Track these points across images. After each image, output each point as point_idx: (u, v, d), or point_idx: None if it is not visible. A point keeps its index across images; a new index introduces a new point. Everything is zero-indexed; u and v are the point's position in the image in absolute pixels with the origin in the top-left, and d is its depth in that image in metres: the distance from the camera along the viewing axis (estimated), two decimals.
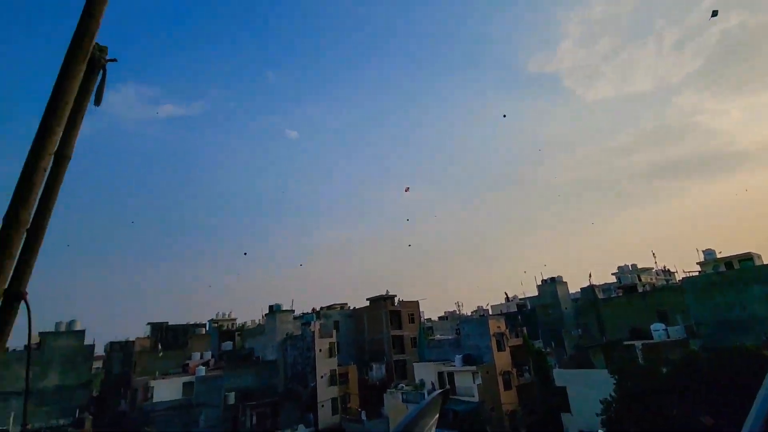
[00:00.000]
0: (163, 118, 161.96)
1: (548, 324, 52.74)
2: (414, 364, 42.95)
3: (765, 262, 35.31)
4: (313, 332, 43.62)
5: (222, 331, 57.67)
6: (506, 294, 67.91)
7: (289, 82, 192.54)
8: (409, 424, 1.66)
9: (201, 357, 47.77)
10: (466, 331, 39.18)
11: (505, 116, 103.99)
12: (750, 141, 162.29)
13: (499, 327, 37.40)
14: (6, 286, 1.35)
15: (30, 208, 1.40)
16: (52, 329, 41.18)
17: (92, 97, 1.68)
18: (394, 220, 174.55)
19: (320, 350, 42.86)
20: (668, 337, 33.00)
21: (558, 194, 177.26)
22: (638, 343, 32.06)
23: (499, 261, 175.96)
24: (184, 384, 40.37)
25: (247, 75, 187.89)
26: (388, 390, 39.81)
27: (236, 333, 59.13)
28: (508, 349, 36.75)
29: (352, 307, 59.87)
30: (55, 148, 1.49)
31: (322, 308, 59.87)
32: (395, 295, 54.52)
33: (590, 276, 53.17)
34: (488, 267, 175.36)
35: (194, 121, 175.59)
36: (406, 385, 40.40)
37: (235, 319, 69.23)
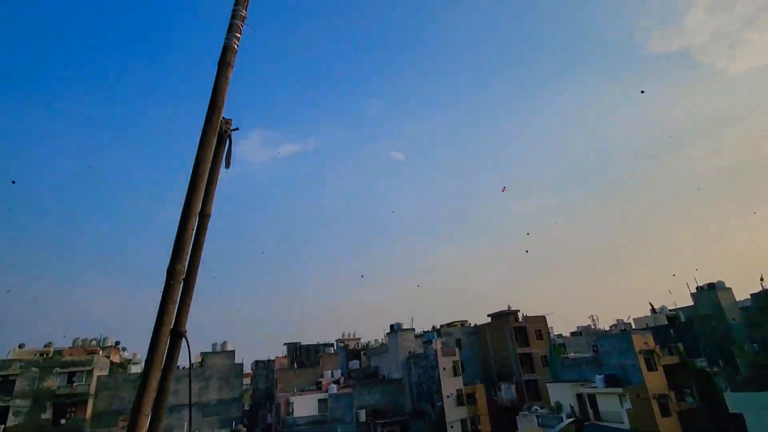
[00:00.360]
0: (284, 156, 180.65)
1: (711, 338, 44.62)
2: (547, 384, 39.85)
3: None
4: (435, 350, 43.40)
5: (348, 350, 60.76)
6: (651, 305, 59.34)
7: (391, 107, 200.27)
8: None
9: (332, 375, 50.84)
10: (605, 348, 35.18)
11: (643, 92, 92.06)
12: None
13: (646, 343, 32.81)
14: (171, 327, 1.70)
15: (184, 261, 1.74)
16: (210, 350, 47.79)
17: (223, 162, 2.03)
18: (510, 233, 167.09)
19: (444, 369, 42.36)
20: None
21: (699, 186, 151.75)
22: None
23: (638, 268, 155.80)
24: (319, 400, 43.26)
25: (351, 107, 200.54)
26: (521, 412, 37.42)
27: (362, 352, 61.74)
28: (660, 368, 31.95)
29: (473, 324, 58.32)
30: (199, 209, 1.84)
31: (442, 326, 59.43)
32: (518, 311, 51.71)
33: (762, 279, 43.68)
34: (626, 275, 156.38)
35: (309, 155, 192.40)
36: (541, 408, 37.54)
37: (359, 339, 72.46)
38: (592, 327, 67.02)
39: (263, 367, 58.64)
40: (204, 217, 1.90)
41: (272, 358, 59.43)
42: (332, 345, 65.99)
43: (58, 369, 41.70)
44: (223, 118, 1.99)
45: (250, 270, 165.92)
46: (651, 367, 31.51)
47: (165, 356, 1.64)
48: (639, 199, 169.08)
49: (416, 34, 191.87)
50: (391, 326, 51.63)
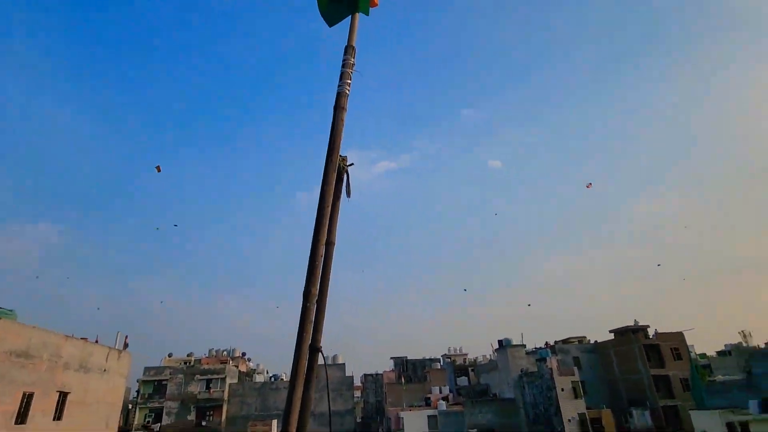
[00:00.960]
0: (382, 172, 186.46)
1: None
2: (690, 411, 34.52)
3: None
4: (551, 369, 40.45)
5: (456, 365, 59.55)
6: None
7: (484, 115, 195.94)
8: None
9: (440, 391, 50.21)
10: (760, 369, 29.57)
11: None
12: None
13: None
14: (309, 343, 1.96)
15: (316, 285, 2.01)
16: (321, 362, 50.53)
17: (343, 193, 2.29)
18: (630, 239, 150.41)
19: (562, 389, 39.20)
20: None
21: None
22: None
23: None
24: (429, 417, 42.91)
25: (444, 118, 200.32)
26: None
27: (469, 368, 60.07)
28: None
29: (593, 341, 53.23)
30: (325, 238, 2.11)
31: (556, 342, 55.28)
32: (648, 326, 45.98)
33: None
34: None
35: (405, 172, 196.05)
36: None
37: (466, 354, 70.72)
38: (744, 344, 56.55)
39: (372, 380, 60.19)
40: (330, 244, 2.15)
41: (380, 372, 60.80)
42: (438, 360, 65.36)
43: (198, 376, 47.71)
44: (340, 156, 2.25)
45: (356, 282, 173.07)
46: None
47: (306, 369, 1.89)
48: None
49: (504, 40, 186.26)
50: (500, 342, 49.50)
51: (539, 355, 48.66)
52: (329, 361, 50.73)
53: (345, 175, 2.29)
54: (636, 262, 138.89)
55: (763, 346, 54.91)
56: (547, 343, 56.49)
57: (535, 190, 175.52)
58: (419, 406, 46.44)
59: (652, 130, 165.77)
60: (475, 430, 40.32)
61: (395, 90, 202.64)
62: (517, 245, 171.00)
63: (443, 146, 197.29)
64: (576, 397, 39.11)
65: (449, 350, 68.37)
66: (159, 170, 32.51)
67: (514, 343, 48.35)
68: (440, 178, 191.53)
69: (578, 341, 54.98)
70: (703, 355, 56.29)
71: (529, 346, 53.52)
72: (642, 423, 38.88)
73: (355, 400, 60.79)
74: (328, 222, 2.15)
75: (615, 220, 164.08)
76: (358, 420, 58.28)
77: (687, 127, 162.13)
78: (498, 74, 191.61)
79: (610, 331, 48.97)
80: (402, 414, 43.69)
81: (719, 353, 58.55)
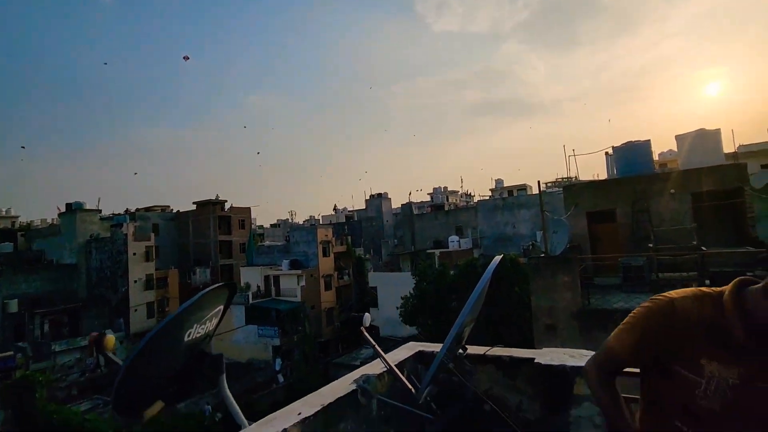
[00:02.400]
0: None
1: (371, 234, 58.60)
2: (241, 268, 43.31)
3: (534, 192, 45.35)
4: (126, 234, 39.37)
5: None
6: (335, 205, 71.85)
7: None
8: (179, 314, 1.91)
9: None
10: (295, 238, 40.82)
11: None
12: (547, 95, 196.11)
13: (326, 235, 40.00)
14: None
15: None
16: None
17: None
18: (229, 125, 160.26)
19: (134, 254, 39.34)
20: (460, 246, 40.62)
21: (394, 119, 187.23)
22: (437, 251, 38.64)
23: (336, 175, 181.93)
24: None
25: None
26: None
27: (18, 233, 49.09)
28: (332, 254, 39.99)
29: (176, 210, 55.30)
30: None
31: (138, 210, 53.67)
32: (225, 200, 52.27)
33: (410, 194, 60.17)
34: (325, 180, 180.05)
35: None
36: None
37: (16, 217, 56.99)
38: (290, 221, 75.73)
39: None
40: None
41: None
42: None
43: None
44: None
45: None
46: (326, 254, 39.05)
47: None
48: (347, 119, 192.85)
49: None
50: (68, 205, 42.80)
51: (115, 221, 45.98)
52: None
53: None
54: (230, 147, 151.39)
55: (302, 223, 75.27)
56: (127, 210, 53.94)
57: (149, 44, 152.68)
58: None
59: (265, 42, 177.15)
60: (15, 300, 34.33)
61: None
62: (118, 101, 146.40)
63: None
64: (148, 260, 40.36)
65: None
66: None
67: (87, 207, 43.14)
68: None
69: (161, 210, 55.70)
70: (261, 227, 70.81)
71: (109, 212, 49.47)
72: (203, 278, 45.34)
73: None
74: None
75: (219, 107, 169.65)
76: None
77: (295, 49, 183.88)
78: None
79: (194, 203, 52.50)
80: None
81: (273, 225, 75.49)
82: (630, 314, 1.34)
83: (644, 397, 1.37)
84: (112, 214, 52.36)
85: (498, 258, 2.15)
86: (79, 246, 41.15)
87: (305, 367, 30.33)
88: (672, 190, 10.64)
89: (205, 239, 49.64)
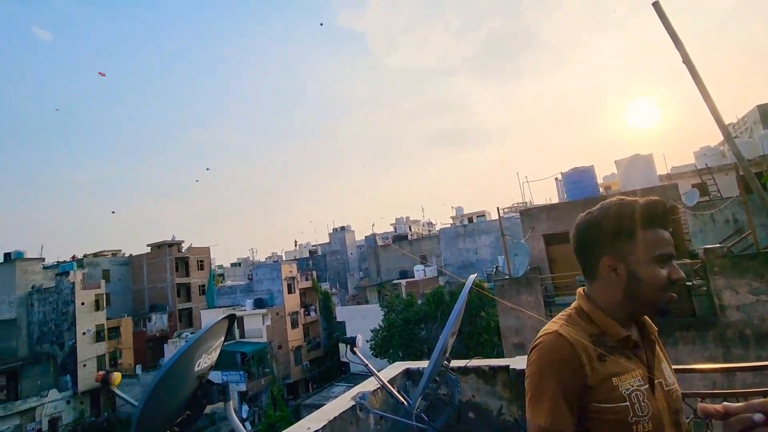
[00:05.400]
0: None
1: (336, 268, 58.15)
2: (201, 311, 41.54)
3: (493, 218, 47.01)
4: (73, 283, 36.94)
5: None
6: (296, 241, 71.02)
7: None
8: (191, 347, 2.05)
9: None
10: (258, 276, 39.84)
11: (321, 24, 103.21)
12: (496, 123, 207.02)
13: (291, 271, 39.34)
14: None
15: None
16: None
17: None
18: (184, 162, 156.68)
19: (83, 303, 36.83)
20: (425, 275, 41.08)
21: (348, 148, 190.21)
22: (403, 282, 38.84)
23: (296, 209, 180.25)
24: None
25: None
26: (170, 339, 37.65)
27: None
28: (297, 291, 39.25)
29: (128, 254, 52.63)
30: None
31: (86, 255, 50.64)
32: (182, 241, 50.47)
33: (373, 226, 60.65)
34: (285, 215, 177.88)
35: None
36: (192, 333, 38.92)
37: None
38: (251, 258, 73.76)
39: None
40: None
41: None
42: None
43: None
44: None
45: None
46: (291, 291, 38.30)
47: None
48: (306, 151, 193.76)
49: None
50: (6, 254, 39.81)
51: (61, 269, 43.21)
52: None
53: None
54: (184, 183, 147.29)
55: (264, 260, 73.46)
56: (74, 257, 50.78)
57: (88, 80, 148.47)
58: None
59: (220, 74, 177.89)
60: None
61: None
62: (54, 140, 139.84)
63: None
64: (98, 309, 37.89)
65: None
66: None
67: (28, 256, 40.31)
68: None
69: (112, 254, 52.88)
70: (221, 266, 68.51)
71: (53, 261, 46.32)
72: (159, 325, 42.97)
73: None
74: None
75: (172, 142, 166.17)
76: None
77: (253, 80, 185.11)
78: None
79: (148, 245, 50.28)
80: None
81: (233, 264, 73.18)
82: (528, 373, 1.15)
83: None
84: (57, 261, 49.03)
85: (473, 276, 2.44)
86: (19, 299, 38.12)
87: (274, 412, 29.04)
88: None
89: (162, 283, 47.40)
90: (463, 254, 42.36)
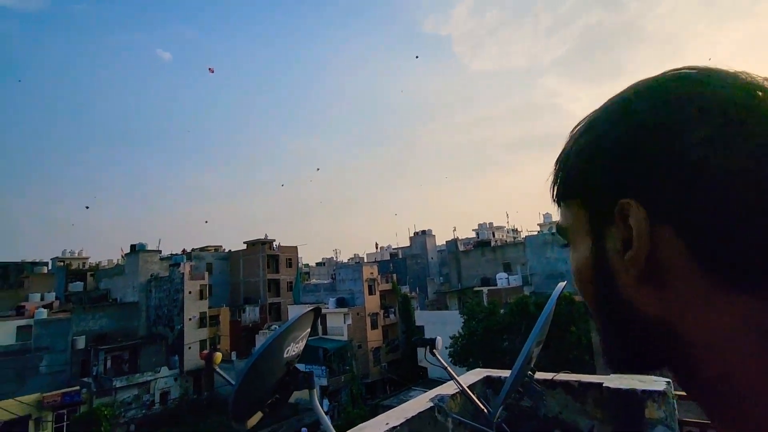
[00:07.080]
0: None
1: (416, 272, 58.28)
2: (288, 306, 44.20)
3: None
4: (183, 273, 41.56)
5: (71, 270, 51.18)
6: (377, 243, 72.49)
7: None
8: (281, 334, 2.22)
9: (42, 299, 42.07)
10: (341, 276, 41.37)
11: (417, 57, 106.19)
12: None
13: (372, 273, 40.26)
14: None
15: None
16: None
17: None
18: (280, 168, 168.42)
19: (190, 292, 41.25)
20: (509, 284, 39.42)
21: (434, 154, 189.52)
22: (485, 289, 37.70)
23: (379, 213, 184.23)
24: (19, 328, 35.46)
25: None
26: (261, 330, 40.58)
27: (88, 273, 53.06)
28: (378, 292, 40.03)
29: (227, 250, 57.98)
30: None
31: (194, 249, 56.76)
32: (274, 240, 54.25)
33: (455, 230, 59.78)
34: (369, 218, 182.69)
35: (30, 19, 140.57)
36: (279, 326, 41.61)
37: (86, 258, 61.75)
38: (335, 259, 76.93)
39: None
40: None
41: None
42: (46, 264, 53.97)
43: None
44: None
45: None
46: (371, 292, 39.16)
47: None
48: (390, 156, 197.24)
49: None
50: (132, 246, 46.08)
51: (173, 261, 48.76)
52: None
53: None
54: (283, 189, 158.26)
55: (346, 261, 76.29)
56: (183, 250, 57.14)
57: (201, 98, 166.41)
58: (5, 317, 37.37)
59: (306, 84, 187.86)
60: (84, 336, 36.72)
61: None
62: (174, 153, 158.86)
63: (92, 5, 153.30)
64: (202, 298, 42.16)
65: (63, 253, 57.63)
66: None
67: (150, 248, 46.25)
68: (85, 44, 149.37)
69: (215, 249, 58.57)
70: (307, 265, 72.36)
71: (167, 253, 52.64)
72: (252, 317, 46.57)
73: None
74: None
75: (269, 148, 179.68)
76: None
77: (336, 88, 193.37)
78: None
79: (244, 242, 54.90)
80: None
81: (318, 264, 76.93)
82: None
83: None
84: (171, 254, 55.62)
85: (562, 284, 2.29)
86: (141, 285, 43.80)
87: (353, 409, 29.86)
88: None
89: (255, 278, 51.36)
90: (551, 263, 39.84)
